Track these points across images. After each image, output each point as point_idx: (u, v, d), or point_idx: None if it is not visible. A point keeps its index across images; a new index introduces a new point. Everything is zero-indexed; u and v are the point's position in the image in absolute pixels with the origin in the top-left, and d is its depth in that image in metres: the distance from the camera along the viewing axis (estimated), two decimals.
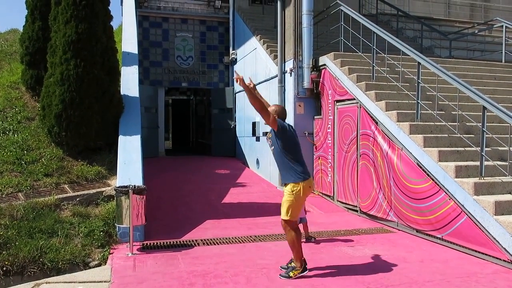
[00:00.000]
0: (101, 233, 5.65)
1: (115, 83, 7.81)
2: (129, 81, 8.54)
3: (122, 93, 8.07)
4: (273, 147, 4.51)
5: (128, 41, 9.79)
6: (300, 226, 5.15)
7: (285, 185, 4.45)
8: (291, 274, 4.35)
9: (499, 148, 5.96)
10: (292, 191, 4.33)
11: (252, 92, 4.24)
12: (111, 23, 8.09)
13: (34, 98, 8.97)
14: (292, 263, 4.48)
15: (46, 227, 5.53)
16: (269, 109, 4.48)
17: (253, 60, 11.25)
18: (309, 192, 4.48)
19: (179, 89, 16.57)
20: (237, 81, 4.33)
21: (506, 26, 9.54)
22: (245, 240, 5.86)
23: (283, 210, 4.37)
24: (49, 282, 4.34)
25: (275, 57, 9.46)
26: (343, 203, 7.93)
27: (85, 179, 6.96)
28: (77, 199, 6.36)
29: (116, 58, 7.92)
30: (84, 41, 7.02)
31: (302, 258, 4.42)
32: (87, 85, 7.04)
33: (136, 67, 9.00)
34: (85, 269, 5.00)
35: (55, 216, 5.86)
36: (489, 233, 4.91)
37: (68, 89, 6.96)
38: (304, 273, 4.37)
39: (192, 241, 5.80)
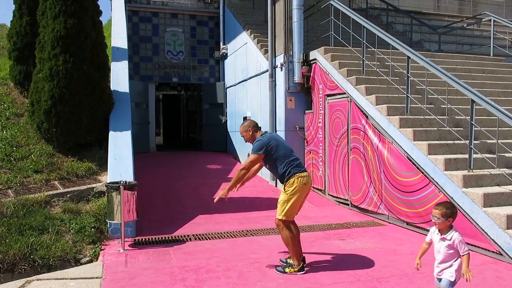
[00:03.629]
0: (92, 229, 5.63)
1: (105, 79, 7.75)
2: (119, 77, 8.47)
3: (112, 88, 8.01)
4: (266, 164, 4.56)
5: (118, 36, 9.70)
6: None
7: (283, 186, 4.42)
8: (287, 270, 4.35)
9: (488, 141, 6.04)
10: (286, 191, 4.33)
11: (234, 183, 4.47)
12: (100, 18, 8.02)
13: (23, 94, 8.87)
14: (290, 259, 4.48)
15: (36, 224, 5.49)
16: (241, 129, 4.63)
17: (244, 55, 11.23)
18: (305, 190, 4.41)
19: (170, 84, 16.50)
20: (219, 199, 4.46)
21: (494, 20, 9.61)
22: (237, 235, 5.88)
23: (278, 208, 4.36)
24: (40, 279, 4.31)
25: (266, 51, 9.45)
26: (334, 196, 7.98)
27: (75, 175, 6.91)
28: (68, 195, 6.32)
29: (105, 53, 7.86)
30: (73, 37, 6.95)
31: (300, 257, 4.40)
32: (77, 80, 6.98)
33: (126, 62, 8.93)
34: (76, 266, 4.98)
35: (46, 212, 5.83)
36: (478, 225, 4.99)
37: (57, 85, 6.89)
38: (301, 273, 4.31)
39: (184, 236, 5.81)
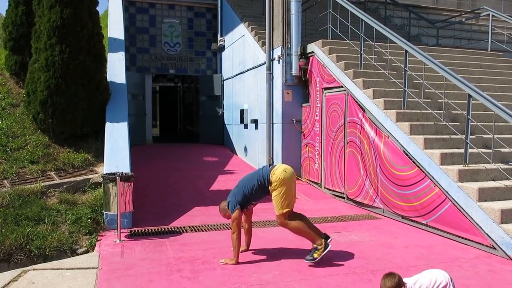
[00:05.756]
0: (89, 220, 5.63)
1: (102, 70, 7.71)
2: (116, 68, 8.43)
3: (108, 79, 7.98)
4: (255, 202, 4.62)
5: (114, 26, 9.64)
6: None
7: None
8: (315, 255, 4.36)
9: (484, 136, 6.06)
10: (272, 184, 4.33)
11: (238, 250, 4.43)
12: (97, 8, 7.94)
13: (18, 84, 8.81)
14: (314, 244, 4.44)
15: (32, 214, 5.48)
16: (220, 209, 4.72)
17: (241, 47, 11.19)
18: (291, 177, 4.37)
19: (167, 76, 16.44)
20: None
21: (492, 15, 9.61)
22: None
23: (276, 205, 4.35)
24: (36, 269, 4.32)
25: (263, 44, 9.42)
26: (330, 190, 8.01)
27: (71, 166, 6.90)
28: (64, 186, 6.31)
29: (102, 44, 7.80)
30: (69, 27, 6.89)
31: (319, 236, 4.38)
32: (73, 71, 6.94)
33: (123, 53, 8.89)
34: (72, 256, 4.98)
35: (42, 203, 5.82)
36: (472, 219, 5.02)
37: (53, 75, 6.85)
38: (327, 250, 4.32)
39: (180, 228, 5.82)
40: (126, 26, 11.73)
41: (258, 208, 6.94)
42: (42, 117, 7.09)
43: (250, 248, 4.87)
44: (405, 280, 3.10)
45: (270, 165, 4.56)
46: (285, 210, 4.34)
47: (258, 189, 4.40)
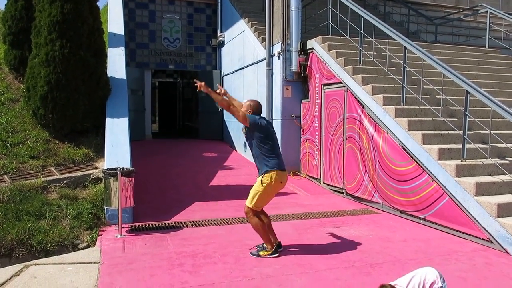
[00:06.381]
0: (90, 215, 5.66)
1: (102, 65, 7.72)
2: (116, 63, 8.44)
3: (109, 75, 7.99)
4: (248, 141, 4.59)
5: (114, 22, 9.64)
6: None
7: (260, 176, 4.48)
8: (260, 253, 4.51)
9: (481, 132, 6.12)
10: (262, 183, 4.40)
11: (215, 95, 4.42)
12: (97, 3, 7.95)
13: (18, 79, 8.81)
14: (265, 244, 4.59)
15: (33, 210, 5.51)
16: (244, 104, 4.63)
17: (241, 43, 11.20)
18: (279, 187, 4.51)
19: (166, 72, 16.43)
20: (198, 89, 4.43)
21: (490, 12, 9.65)
22: (233, 222, 5.95)
23: (250, 196, 4.46)
24: (38, 264, 4.36)
25: (263, 40, 9.44)
26: (329, 185, 8.06)
27: (72, 162, 6.92)
28: (64, 181, 6.34)
29: (102, 39, 7.82)
30: (70, 22, 6.90)
31: (272, 241, 4.53)
32: (73, 66, 6.95)
33: (123, 48, 8.90)
34: (74, 251, 5.01)
35: (43, 198, 5.85)
36: (469, 213, 5.09)
37: (53, 71, 6.85)
38: (273, 256, 4.46)
39: (181, 222, 5.87)
40: (126, 21, 11.70)
41: None
42: (42, 112, 7.11)
43: (249, 242, 4.93)
44: (397, 281, 3.14)
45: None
46: (253, 207, 4.45)
47: (260, 154, 4.44)
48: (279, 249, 4.57)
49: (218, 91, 4.59)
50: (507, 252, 4.65)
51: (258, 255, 4.49)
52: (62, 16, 6.86)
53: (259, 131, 4.44)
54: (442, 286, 3.11)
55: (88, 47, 7.23)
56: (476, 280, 3.95)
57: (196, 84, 4.47)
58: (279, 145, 8.08)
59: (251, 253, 4.56)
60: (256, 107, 4.63)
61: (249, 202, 4.46)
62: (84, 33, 7.14)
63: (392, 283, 3.09)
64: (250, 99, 4.78)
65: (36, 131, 7.38)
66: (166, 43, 12.93)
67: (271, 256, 4.47)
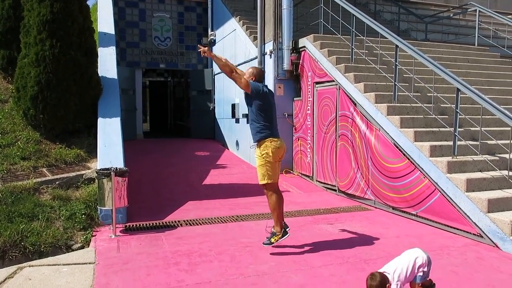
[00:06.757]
0: (83, 216, 5.63)
1: (93, 65, 7.67)
2: (107, 62, 8.39)
3: (100, 74, 7.93)
4: (248, 107, 4.63)
5: (104, 20, 9.57)
6: None
7: (256, 146, 4.57)
8: (272, 240, 4.54)
9: (471, 129, 6.20)
10: (262, 154, 4.49)
11: (218, 59, 4.48)
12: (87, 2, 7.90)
13: (6, 80, 8.70)
14: (273, 229, 4.61)
15: (26, 211, 5.46)
16: (246, 71, 4.67)
17: (232, 42, 11.19)
18: (280, 151, 4.56)
19: (156, 71, 16.37)
20: (202, 54, 4.54)
21: (479, 10, 9.77)
22: (227, 220, 5.96)
23: (259, 175, 4.52)
24: (32, 265, 4.32)
25: (255, 38, 9.44)
26: (322, 183, 8.11)
27: (64, 162, 6.87)
28: (57, 182, 6.29)
29: (93, 38, 7.76)
30: (59, 21, 6.84)
31: (282, 223, 4.58)
32: (64, 66, 6.89)
33: (114, 48, 8.84)
34: (68, 252, 4.98)
35: (35, 199, 5.80)
36: (460, 209, 5.16)
37: (44, 70, 6.80)
38: (285, 237, 4.53)
39: (175, 222, 5.86)
40: (116, 20, 11.60)
41: (251, 202, 7.04)
42: (33, 113, 7.04)
43: (244, 240, 4.96)
44: (385, 268, 3.21)
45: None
46: (269, 181, 4.51)
47: (256, 121, 4.51)
48: (287, 229, 4.61)
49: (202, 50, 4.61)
50: (497, 247, 4.73)
51: (271, 243, 4.53)
52: (52, 15, 6.80)
53: (259, 99, 4.49)
54: (426, 270, 3.20)
55: (79, 47, 7.17)
56: (467, 274, 4.01)
57: (199, 50, 4.61)
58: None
59: (264, 243, 4.59)
60: (259, 74, 4.69)
61: (261, 179, 4.50)
62: (75, 32, 7.08)
63: (380, 270, 3.17)
64: (253, 66, 4.79)
65: (26, 132, 7.30)
66: (157, 42, 12.87)
67: (282, 239, 4.52)
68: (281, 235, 4.54)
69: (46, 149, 7.07)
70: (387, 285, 3.10)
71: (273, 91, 8.31)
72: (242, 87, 4.47)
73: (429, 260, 3.26)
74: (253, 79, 4.61)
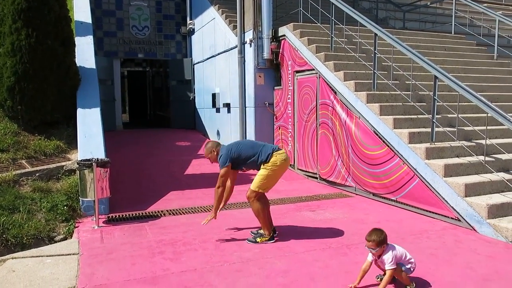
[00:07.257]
0: (65, 207, 5.59)
1: (71, 54, 7.50)
2: (85, 52, 8.23)
3: (78, 64, 7.78)
4: (243, 168, 4.76)
5: (81, 9, 9.37)
6: None
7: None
8: (258, 239, 4.55)
9: (449, 115, 6.36)
10: (266, 167, 4.46)
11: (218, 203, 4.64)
12: None
13: None
14: (261, 230, 4.66)
15: (6, 204, 5.38)
16: (205, 151, 4.73)
17: (211, 31, 11.11)
18: (284, 166, 4.55)
19: (135, 61, 16.10)
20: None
21: None
22: (210, 209, 5.84)
23: (255, 181, 4.49)
24: (15, 257, 4.28)
25: (235, 27, 9.40)
26: (303, 171, 8.21)
27: (43, 154, 6.76)
28: (37, 174, 6.19)
29: (70, 27, 7.58)
30: (35, 10, 6.66)
31: (270, 227, 4.61)
32: (41, 56, 6.74)
33: (91, 37, 8.68)
34: (50, 244, 4.95)
35: (15, 192, 5.71)
36: (438, 193, 5.32)
37: (20, 61, 6.63)
38: (271, 242, 4.54)
39: (158, 212, 5.87)
40: (92, 8, 11.35)
41: (236, 191, 7.01)
42: (10, 104, 6.88)
43: (229, 228, 5.01)
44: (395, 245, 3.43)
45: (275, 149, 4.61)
46: (259, 190, 4.49)
47: (254, 160, 4.51)
48: (275, 235, 4.64)
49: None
50: (474, 230, 4.91)
51: (256, 242, 4.52)
52: (27, 3, 6.61)
53: (238, 158, 4.50)
54: (412, 269, 3.44)
55: (56, 36, 7.01)
56: (446, 256, 4.16)
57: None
58: (253, 133, 8.14)
59: (248, 240, 4.58)
60: (216, 145, 4.70)
61: (253, 185, 4.48)
62: (51, 21, 6.91)
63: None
64: (205, 146, 4.78)
65: (4, 124, 7.14)
66: (135, 31, 12.67)
67: (268, 242, 4.52)
68: (267, 238, 4.55)
69: (25, 141, 6.93)
70: (383, 246, 3.32)
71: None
72: (225, 175, 4.52)
73: (415, 266, 3.47)
74: (215, 151, 4.62)
